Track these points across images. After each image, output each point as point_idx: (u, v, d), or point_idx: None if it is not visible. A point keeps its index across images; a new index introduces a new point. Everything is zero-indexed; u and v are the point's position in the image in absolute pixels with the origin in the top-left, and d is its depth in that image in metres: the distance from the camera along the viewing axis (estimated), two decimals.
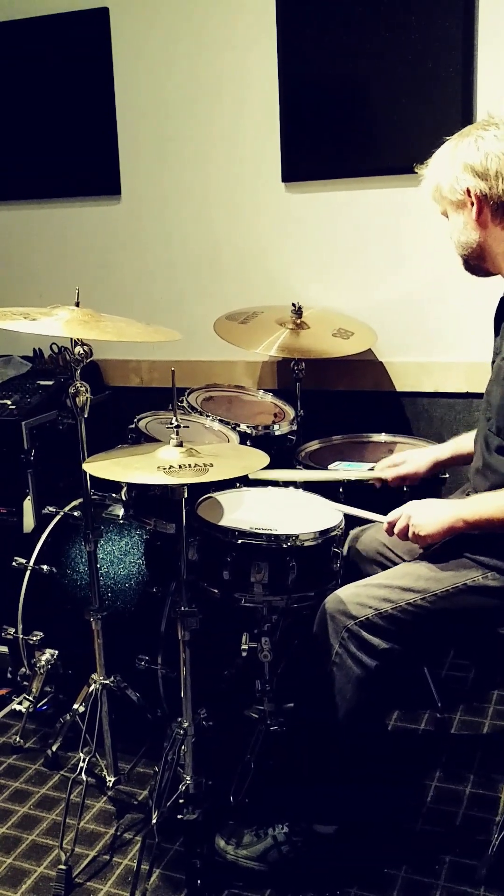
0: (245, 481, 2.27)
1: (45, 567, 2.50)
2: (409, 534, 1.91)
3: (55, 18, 3.18)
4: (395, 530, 1.94)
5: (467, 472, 2.10)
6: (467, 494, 2.03)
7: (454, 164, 1.85)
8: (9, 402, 2.99)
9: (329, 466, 2.47)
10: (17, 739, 2.51)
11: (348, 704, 1.91)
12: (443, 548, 1.94)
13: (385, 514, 2.01)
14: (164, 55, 3.10)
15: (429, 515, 1.89)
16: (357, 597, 1.92)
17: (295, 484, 2.33)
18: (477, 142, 1.82)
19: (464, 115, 2.70)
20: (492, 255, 1.90)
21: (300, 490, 2.32)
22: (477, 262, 1.93)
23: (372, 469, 2.43)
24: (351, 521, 2.14)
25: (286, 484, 2.31)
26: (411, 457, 2.22)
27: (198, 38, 3.03)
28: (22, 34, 3.25)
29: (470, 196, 1.84)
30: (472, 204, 1.84)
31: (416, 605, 1.88)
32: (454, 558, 1.92)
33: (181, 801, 1.93)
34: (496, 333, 1.98)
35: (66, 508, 2.59)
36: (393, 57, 2.77)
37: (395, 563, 2.10)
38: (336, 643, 1.91)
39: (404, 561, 2.08)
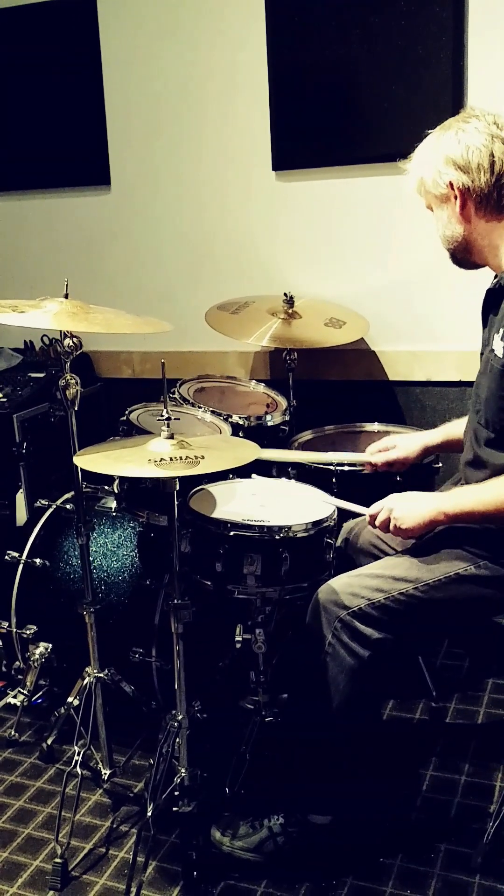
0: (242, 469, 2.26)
1: (38, 560, 2.49)
2: (391, 526, 1.91)
3: (42, 7, 3.16)
4: (377, 522, 1.93)
5: (460, 462, 2.09)
6: (458, 484, 2.03)
7: (436, 157, 1.84)
8: (0, 395, 2.97)
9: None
10: (12, 733, 2.51)
11: (342, 694, 1.91)
12: (436, 537, 1.94)
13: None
14: (152, 44, 3.07)
15: (410, 508, 1.89)
16: (350, 587, 1.91)
17: (287, 466, 2.30)
18: (458, 135, 1.81)
19: (455, 100, 2.68)
20: (478, 247, 1.89)
21: (293, 481, 2.31)
22: (464, 256, 1.93)
23: None
24: (345, 514, 2.14)
25: (280, 465, 2.29)
26: (401, 442, 2.21)
27: (186, 27, 3.01)
28: (8, 23, 3.21)
29: (453, 189, 1.83)
30: (456, 197, 1.84)
31: (409, 594, 1.88)
32: (447, 548, 1.92)
33: (176, 793, 1.93)
34: (484, 325, 1.98)
35: (59, 501, 2.58)
36: (383, 43, 2.75)
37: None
38: (329, 633, 1.90)
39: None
